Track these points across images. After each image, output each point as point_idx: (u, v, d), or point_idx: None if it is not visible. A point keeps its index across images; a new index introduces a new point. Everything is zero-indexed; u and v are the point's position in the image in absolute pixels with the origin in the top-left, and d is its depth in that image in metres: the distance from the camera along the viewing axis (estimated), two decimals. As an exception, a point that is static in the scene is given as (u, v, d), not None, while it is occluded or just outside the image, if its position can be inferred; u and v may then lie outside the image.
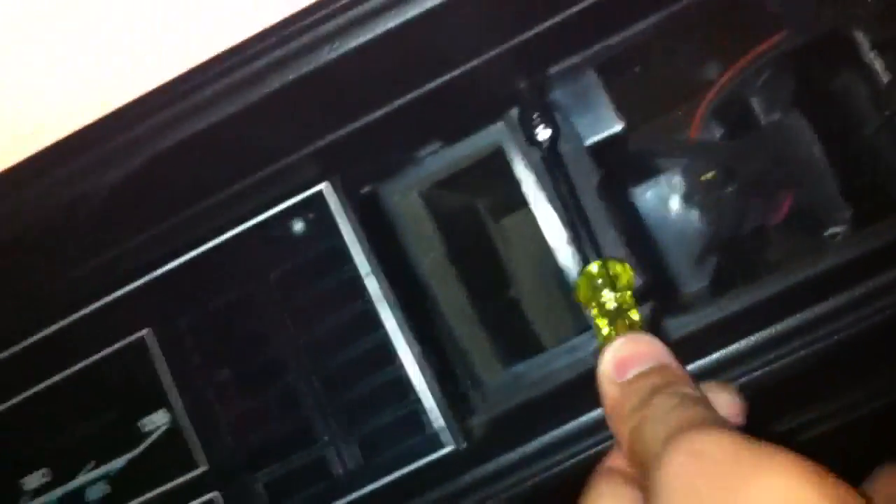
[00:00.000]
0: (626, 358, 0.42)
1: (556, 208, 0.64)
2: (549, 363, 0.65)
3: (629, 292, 0.49)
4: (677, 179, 0.69)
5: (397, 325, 0.62)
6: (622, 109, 0.64)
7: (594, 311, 0.50)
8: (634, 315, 0.48)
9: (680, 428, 0.36)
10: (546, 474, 0.59)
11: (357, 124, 0.61)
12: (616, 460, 0.43)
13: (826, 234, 0.64)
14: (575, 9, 0.56)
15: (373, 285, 0.63)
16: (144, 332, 0.66)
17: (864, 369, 0.62)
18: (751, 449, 0.33)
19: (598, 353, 0.44)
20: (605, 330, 0.49)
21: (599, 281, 0.50)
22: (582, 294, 0.51)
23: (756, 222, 0.66)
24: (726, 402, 0.42)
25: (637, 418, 0.39)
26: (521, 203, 0.68)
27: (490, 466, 0.60)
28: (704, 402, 0.38)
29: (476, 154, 0.66)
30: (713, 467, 0.33)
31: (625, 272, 0.50)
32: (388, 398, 0.63)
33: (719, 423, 0.36)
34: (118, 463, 0.66)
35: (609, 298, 0.49)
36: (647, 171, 0.70)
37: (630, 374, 0.41)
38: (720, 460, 0.33)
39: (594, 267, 0.50)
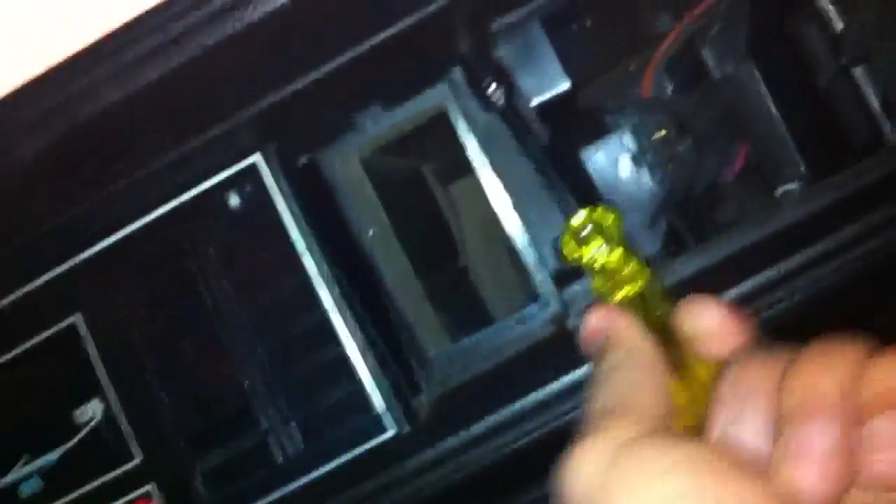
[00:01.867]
0: (590, 330, 0.41)
1: (500, 173, 0.61)
2: (498, 335, 0.62)
3: (619, 235, 0.46)
4: (628, 138, 0.65)
5: (336, 304, 0.60)
6: (569, 66, 0.61)
7: (588, 267, 0.46)
8: (630, 264, 0.45)
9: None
10: (497, 454, 0.57)
11: (292, 87, 0.57)
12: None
13: (781, 190, 0.62)
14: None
15: (309, 262, 0.60)
16: (74, 317, 0.63)
17: (822, 330, 0.60)
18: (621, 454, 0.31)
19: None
20: (599, 285, 0.45)
21: (585, 233, 0.46)
22: (569, 252, 0.47)
23: (710, 180, 0.64)
24: (712, 321, 0.39)
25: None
26: (468, 168, 0.65)
27: (436, 449, 0.58)
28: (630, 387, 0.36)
29: (418, 117, 0.63)
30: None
31: (608, 216, 0.46)
32: (329, 380, 0.60)
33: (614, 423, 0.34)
34: (52, 456, 0.63)
35: (600, 249, 0.45)
36: (597, 131, 0.67)
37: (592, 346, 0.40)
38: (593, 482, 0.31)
39: (576, 217, 0.46)
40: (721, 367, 0.37)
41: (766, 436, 0.32)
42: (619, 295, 0.44)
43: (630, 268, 0.45)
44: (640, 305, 0.42)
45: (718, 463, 0.30)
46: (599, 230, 0.46)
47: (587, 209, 0.47)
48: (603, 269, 0.45)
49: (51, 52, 0.54)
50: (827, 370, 0.31)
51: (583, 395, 0.41)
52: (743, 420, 0.33)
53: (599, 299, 0.46)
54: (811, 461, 0.30)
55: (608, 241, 0.46)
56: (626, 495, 0.30)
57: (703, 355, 0.39)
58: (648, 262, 0.50)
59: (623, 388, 0.36)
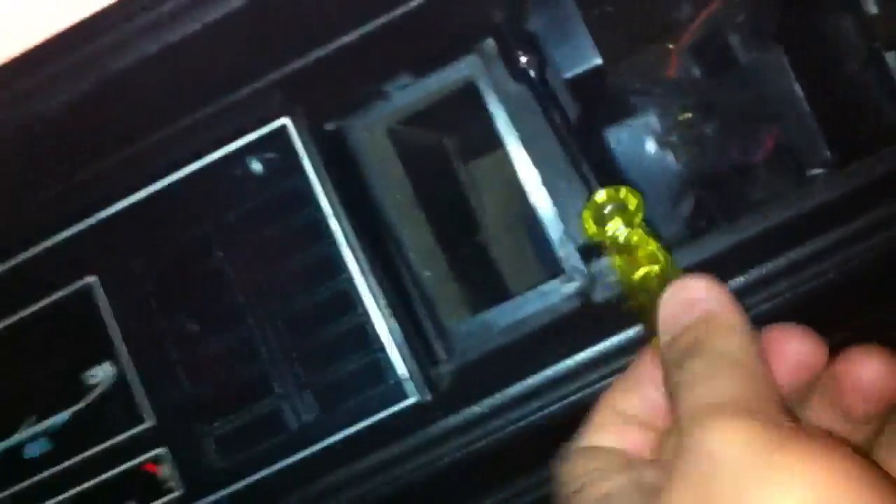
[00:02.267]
0: (674, 309, 0.38)
1: (528, 147, 0.61)
2: (518, 309, 0.62)
3: (640, 217, 0.46)
4: (653, 120, 0.66)
5: (361, 270, 0.59)
6: (599, 44, 0.61)
7: (605, 244, 0.46)
8: (647, 244, 0.45)
9: (703, 410, 0.33)
10: (515, 426, 0.57)
11: (321, 52, 0.57)
12: (621, 395, 0.40)
13: (809, 174, 0.62)
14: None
15: (336, 227, 0.59)
16: (90, 278, 0.62)
17: (849, 311, 0.60)
18: (773, 450, 0.30)
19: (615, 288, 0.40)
20: (618, 263, 0.45)
21: (607, 210, 0.46)
22: (590, 227, 0.47)
23: (737, 161, 0.64)
24: (796, 350, 0.38)
25: (675, 379, 0.36)
26: (490, 145, 0.65)
27: (457, 418, 0.57)
28: (747, 368, 0.35)
29: (447, 88, 0.62)
30: (726, 473, 0.30)
31: (633, 197, 0.46)
32: (349, 346, 0.60)
33: (753, 401, 0.33)
34: (61, 418, 0.62)
35: (620, 228, 0.45)
36: (623, 111, 0.67)
37: (678, 327, 0.38)
38: (735, 465, 0.30)
39: (600, 195, 0.47)
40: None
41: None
42: (639, 274, 0.45)
43: (649, 248, 0.45)
44: (658, 286, 0.42)
45: (870, 475, 0.30)
46: (621, 209, 0.47)
47: (610, 188, 0.48)
48: (622, 247, 0.46)
49: (82, 5, 0.53)
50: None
51: (628, 359, 0.40)
52: (837, 411, 0.36)
53: (620, 277, 0.46)
54: None
55: (628, 221, 0.47)
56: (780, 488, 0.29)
57: None
58: (671, 243, 0.51)
59: (731, 381, 0.34)
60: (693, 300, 0.38)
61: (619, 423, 0.40)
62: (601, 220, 0.47)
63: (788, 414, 0.33)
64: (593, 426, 0.40)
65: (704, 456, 0.31)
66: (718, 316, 0.37)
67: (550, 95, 0.58)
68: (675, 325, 0.38)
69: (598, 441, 0.40)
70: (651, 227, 0.48)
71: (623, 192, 0.48)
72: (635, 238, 0.46)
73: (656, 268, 0.44)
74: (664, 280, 0.42)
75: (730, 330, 0.36)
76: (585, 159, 0.60)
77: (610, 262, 0.46)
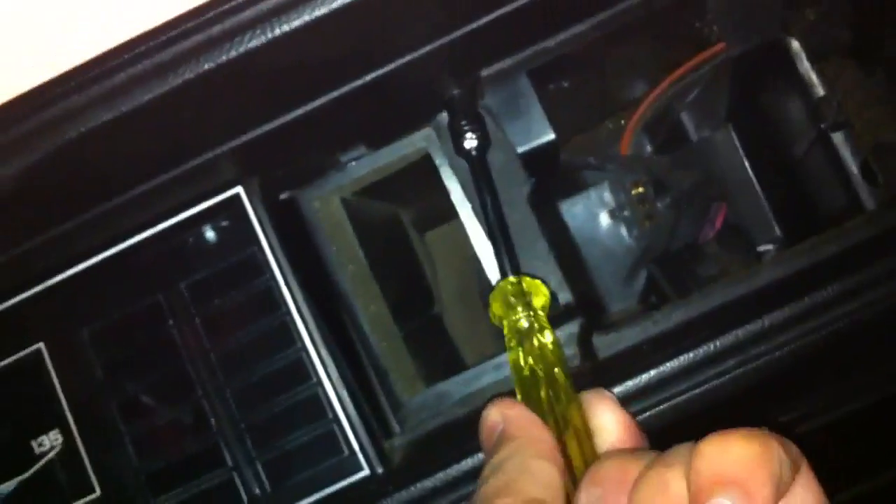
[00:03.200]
0: (489, 423, 0.43)
1: (482, 220, 0.61)
2: (473, 381, 0.61)
3: (542, 311, 0.47)
4: (606, 194, 0.67)
5: (313, 341, 0.59)
6: (554, 119, 0.62)
7: (505, 330, 0.47)
8: (546, 336, 0.46)
9: None
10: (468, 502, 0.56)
11: (277, 123, 0.57)
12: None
13: (759, 250, 0.63)
14: (509, 7, 0.53)
15: (289, 297, 0.59)
16: (39, 345, 0.61)
17: (797, 388, 0.61)
18: None
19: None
20: (513, 352, 0.46)
21: (513, 299, 0.47)
22: (494, 311, 0.48)
23: (689, 237, 0.65)
24: (610, 421, 0.42)
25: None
26: (446, 216, 0.66)
27: (409, 493, 0.56)
28: (513, 485, 0.38)
29: (402, 160, 0.63)
30: None
31: (540, 290, 0.47)
32: (301, 418, 0.59)
33: None
34: (7, 487, 0.61)
35: (521, 317, 0.46)
36: (576, 185, 0.68)
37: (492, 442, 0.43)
38: None
39: (508, 283, 0.48)
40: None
41: None
42: (528, 369, 0.45)
43: (545, 345, 0.46)
44: (546, 383, 0.44)
45: None
46: (527, 300, 0.47)
47: (517, 277, 0.49)
48: (518, 337, 0.46)
49: (31, 76, 0.53)
50: (669, 469, 0.33)
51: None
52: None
53: (512, 368, 0.47)
54: None
55: (532, 313, 0.47)
56: None
57: (600, 446, 0.41)
58: (623, 317, 0.51)
59: (511, 474, 0.38)
60: (496, 419, 0.43)
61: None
62: (507, 306, 0.48)
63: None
64: None
65: None
66: (511, 430, 0.42)
67: (486, 174, 0.58)
68: (486, 439, 0.43)
69: None
70: (596, 304, 0.49)
71: (534, 284, 0.50)
72: (533, 330, 0.47)
73: (548, 363, 0.45)
74: (553, 377, 0.43)
75: (510, 442, 0.41)
76: (540, 232, 0.61)
77: (507, 352, 0.47)
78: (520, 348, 0.46)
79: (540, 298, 0.49)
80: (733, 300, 0.56)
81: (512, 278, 0.49)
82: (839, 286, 0.54)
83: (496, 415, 0.43)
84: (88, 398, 0.61)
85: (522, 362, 0.46)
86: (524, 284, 0.48)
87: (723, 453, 0.31)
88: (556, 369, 0.44)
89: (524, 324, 0.48)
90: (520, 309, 0.48)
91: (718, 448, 0.31)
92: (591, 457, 0.40)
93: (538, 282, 0.49)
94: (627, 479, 0.35)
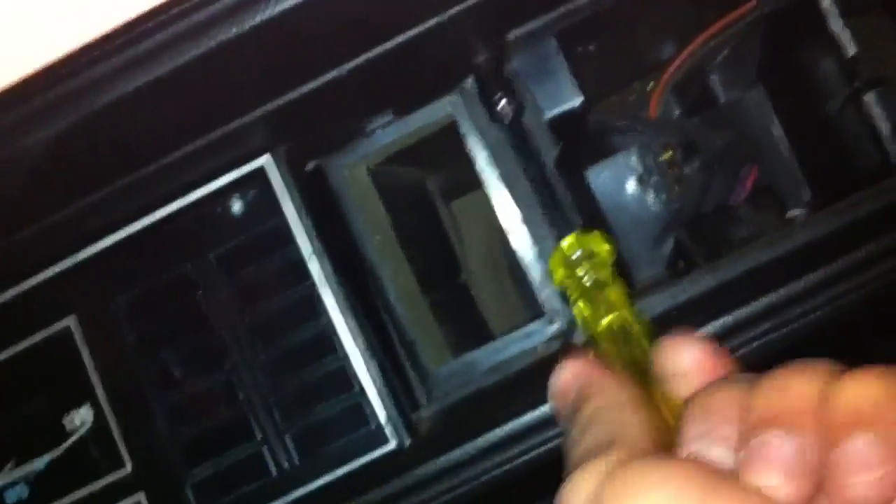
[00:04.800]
0: (556, 386, 0.41)
1: (510, 187, 0.61)
2: (500, 351, 0.61)
3: (608, 266, 0.45)
4: (634, 159, 0.65)
5: (341, 312, 0.58)
6: (581, 82, 0.61)
7: (571, 291, 0.45)
8: (614, 292, 0.44)
9: (567, 477, 0.34)
10: (497, 471, 0.56)
11: (303, 90, 0.57)
12: None
13: (789, 214, 0.62)
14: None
15: (316, 268, 0.59)
16: (69, 319, 0.62)
17: (831, 353, 0.60)
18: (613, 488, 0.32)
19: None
20: (584, 310, 0.45)
21: (574, 257, 0.45)
22: (556, 274, 0.46)
23: (718, 200, 0.64)
24: (690, 358, 0.39)
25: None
26: (472, 185, 0.65)
27: (436, 464, 0.56)
28: (609, 424, 0.37)
29: (428, 127, 0.62)
30: None
31: (602, 244, 0.45)
32: (329, 390, 0.59)
33: (605, 453, 0.35)
34: (39, 463, 0.61)
35: (586, 275, 0.44)
36: (603, 151, 0.67)
37: (562, 402, 0.41)
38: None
39: (567, 242, 0.46)
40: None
41: (733, 452, 0.33)
42: (603, 324, 0.44)
43: (615, 298, 0.45)
44: (621, 337, 0.42)
45: (701, 477, 0.30)
46: (589, 256, 0.46)
47: (577, 233, 0.47)
48: (589, 294, 0.45)
49: (59, 44, 0.53)
50: (793, 387, 0.31)
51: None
52: (711, 438, 0.34)
53: (583, 327, 0.46)
54: (772, 465, 0.30)
55: (596, 268, 0.46)
56: None
57: (681, 392, 0.39)
58: (650, 284, 0.50)
59: (607, 428, 0.36)
60: (570, 378, 0.41)
61: None
62: (570, 267, 0.46)
63: (641, 449, 0.35)
64: None
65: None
66: (591, 386, 0.39)
67: (526, 139, 0.57)
68: (560, 400, 0.41)
69: None
70: (623, 272, 0.48)
71: (590, 237, 0.47)
72: (601, 286, 0.45)
73: (620, 318, 0.43)
74: (626, 332, 0.42)
75: (597, 397, 0.38)
76: (565, 200, 0.60)
77: (575, 311, 0.45)
78: (588, 305, 0.45)
79: (602, 251, 0.47)
80: (764, 263, 0.55)
81: (569, 237, 0.47)
82: (872, 247, 0.53)
83: (569, 374, 0.41)
84: (119, 372, 0.61)
85: (592, 320, 0.45)
86: (583, 240, 0.46)
87: (865, 389, 0.30)
88: (629, 320, 0.43)
89: (589, 282, 0.46)
90: (582, 267, 0.46)
91: (860, 384, 0.30)
92: (677, 404, 0.40)
93: (597, 234, 0.47)
94: (734, 409, 0.33)
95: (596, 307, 0.43)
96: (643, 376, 0.41)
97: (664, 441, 0.36)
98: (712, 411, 0.35)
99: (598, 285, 0.44)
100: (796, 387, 0.32)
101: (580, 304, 0.44)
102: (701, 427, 0.35)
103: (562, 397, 0.41)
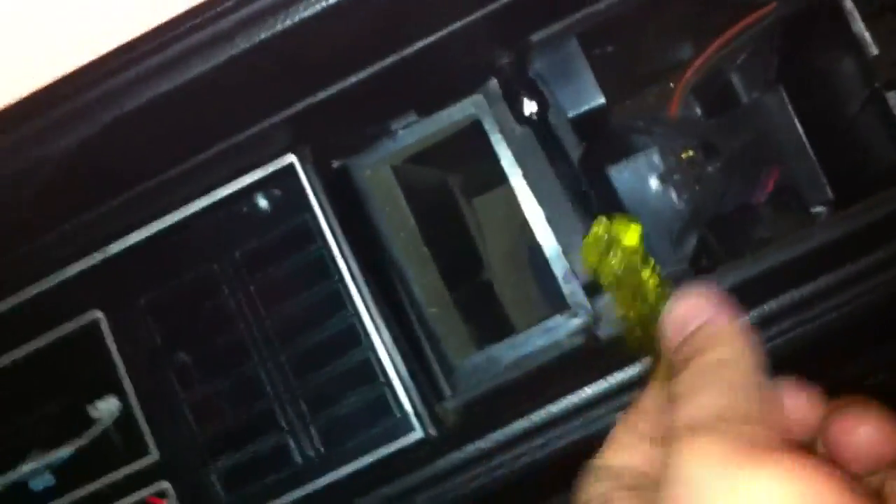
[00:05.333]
0: (675, 321, 0.39)
1: (534, 185, 0.62)
2: (523, 345, 0.62)
3: (640, 249, 0.45)
4: (656, 158, 0.66)
5: (366, 306, 0.60)
6: (602, 84, 0.62)
7: (604, 276, 0.46)
8: (646, 274, 0.44)
9: (684, 429, 0.34)
10: (520, 462, 0.57)
11: (329, 91, 0.58)
12: (636, 414, 0.41)
13: (811, 212, 0.62)
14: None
15: (342, 264, 0.60)
16: (97, 313, 0.63)
17: (853, 351, 0.61)
18: (741, 467, 0.31)
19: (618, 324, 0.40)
20: (619, 294, 0.45)
21: (606, 239, 0.45)
22: (589, 258, 0.46)
23: (740, 200, 0.64)
24: (797, 404, 0.39)
25: (671, 390, 0.37)
26: (494, 182, 0.66)
27: (461, 454, 0.58)
28: (733, 382, 0.35)
29: (452, 127, 0.63)
30: (700, 493, 0.32)
31: (632, 229, 0.45)
32: (354, 382, 0.60)
33: (733, 418, 0.34)
34: (65, 452, 0.62)
35: (617, 260, 0.44)
36: (625, 150, 0.67)
37: (679, 338, 0.39)
38: (706, 485, 0.32)
39: (599, 227, 0.46)
40: None
41: None
42: (639, 305, 0.45)
43: (650, 280, 0.45)
44: (657, 316, 0.42)
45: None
46: (620, 240, 0.46)
47: (609, 218, 0.46)
48: (622, 278, 0.45)
49: (93, 47, 0.54)
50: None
51: (632, 395, 0.41)
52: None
53: (619, 310, 0.46)
54: None
55: (628, 251, 0.46)
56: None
57: None
58: (673, 281, 0.50)
59: (730, 394, 0.35)
60: (691, 313, 0.39)
61: (636, 442, 0.40)
62: (602, 251, 0.46)
63: (771, 429, 0.34)
64: (611, 445, 0.40)
65: (682, 477, 0.32)
66: (713, 327, 0.38)
67: (552, 136, 0.58)
68: (676, 336, 0.39)
69: (615, 460, 0.40)
70: (652, 258, 0.48)
71: (623, 221, 0.47)
72: (636, 269, 0.45)
73: (655, 297, 0.44)
74: (658, 313, 0.42)
75: (722, 342, 0.37)
76: (590, 196, 0.61)
77: (610, 295, 0.45)
78: (620, 292, 0.45)
79: (632, 235, 0.47)
80: (786, 262, 0.56)
81: (599, 223, 0.47)
82: (892, 247, 0.54)
83: (693, 305, 0.39)
84: (145, 364, 0.62)
85: (625, 309, 0.45)
86: (613, 227, 0.46)
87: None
88: (664, 297, 0.43)
89: (620, 267, 0.46)
90: (617, 248, 0.46)
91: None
92: None
93: (625, 219, 0.47)
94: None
95: (630, 290, 0.43)
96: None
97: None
98: (836, 443, 0.36)
99: (630, 270, 0.44)
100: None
101: (614, 288, 0.44)
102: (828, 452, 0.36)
103: (678, 328, 0.39)
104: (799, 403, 0.39)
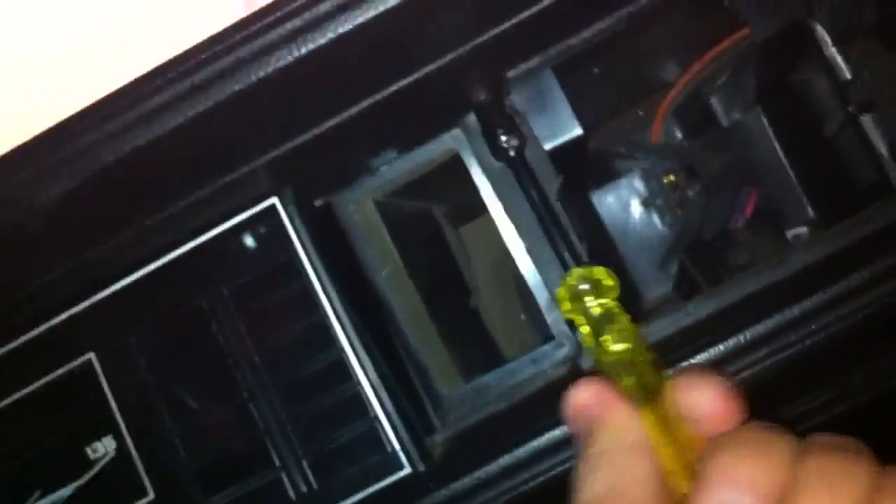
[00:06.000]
0: (570, 413, 0.41)
1: (513, 217, 0.62)
2: (512, 375, 0.63)
3: (614, 298, 0.46)
4: (638, 182, 0.67)
5: (352, 341, 0.60)
6: (581, 110, 0.62)
7: (579, 322, 0.46)
8: (622, 320, 0.45)
9: None
10: (511, 495, 0.57)
11: (309, 134, 0.59)
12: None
13: (790, 234, 0.63)
14: (534, 9, 0.54)
15: (325, 301, 0.60)
16: (89, 355, 0.64)
17: (834, 374, 0.61)
18: None
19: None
20: (592, 340, 0.45)
21: (581, 288, 0.46)
22: (564, 304, 0.47)
23: (721, 224, 0.65)
24: (706, 399, 0.39)
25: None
26: (479, 210, 0.66)
27: (451, 489, 0.58)
28: (615, 467, 0.37)
29: (432, 162, 0.64)
30: None
31: (607, 277, 0.46)
32: (344, 417, 0.60)
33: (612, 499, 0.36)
34: (64, 492, 0.63)
35: (593, 306, 0.45)
36: (607, 174, 0.68)
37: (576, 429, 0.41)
38: None
39: (574, 275, 0.47)
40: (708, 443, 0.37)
41: None
42: (611, 353, 0.45)
43: (621, 329, 0.45)
44: (629, 369, 0.43)
45: None
46: (595, 288, 0.47)
47: (582, 267, 0.48)
48: (595, 326, 0.46)
49: (72, 100, 0.54)
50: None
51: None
52: None
53: (593, 356, 0.47)
54: None
55: (600, 301, 0.47)
56: None
57: (693, 431, 0.39)
58: (656, 306, 0.51)
59: (615, 476, 0.37)
60: (582, 406, 0.41)
61: None
62: (575, 299, 0.47)
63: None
64: None
65: None
66: (604, 417, 0.40)
67: (529, 171, 0.59)
68: (573, 422, 0.41)
69: None
70: (631, 292, 0.48)
71: (598, 271, 0.48)
72: (605, 319, 0.46)
73: (628, 352, 0.44)
74: (633, 365, 0.43)
75: (608, 432, 0.39)
76: (568, 229, 0.61)
77: (582, 341, 0.46)
78: (597, 338, 0.46)
79: (608, 285, 0.48)
80: (765, 288, 0.56)
81: (576, 270, 0.48)
82: (870, 270, 0.54)
83: (587, 394, 0.40)
84: (139, 404, 0.63)
85: (599, 351, 0.46)
86: (588, 272, 0.47)
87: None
88: (638, 356, 0.44)
89: (597, 312, 0.47)
90: (589, 298, 0.47)
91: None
92: (686, 442, 0.40)
93: (602, 269, 0.48)
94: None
95: (603, 338, 0.44)
96: (651, 407, 0.42)
97: (671, 498, 0.37)
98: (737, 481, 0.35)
99: (606, 317, 0.44)
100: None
101: (584, 333, 0.44)
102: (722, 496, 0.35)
103: (575, 420, 0.41)
104: (702, 397, 0.39)
